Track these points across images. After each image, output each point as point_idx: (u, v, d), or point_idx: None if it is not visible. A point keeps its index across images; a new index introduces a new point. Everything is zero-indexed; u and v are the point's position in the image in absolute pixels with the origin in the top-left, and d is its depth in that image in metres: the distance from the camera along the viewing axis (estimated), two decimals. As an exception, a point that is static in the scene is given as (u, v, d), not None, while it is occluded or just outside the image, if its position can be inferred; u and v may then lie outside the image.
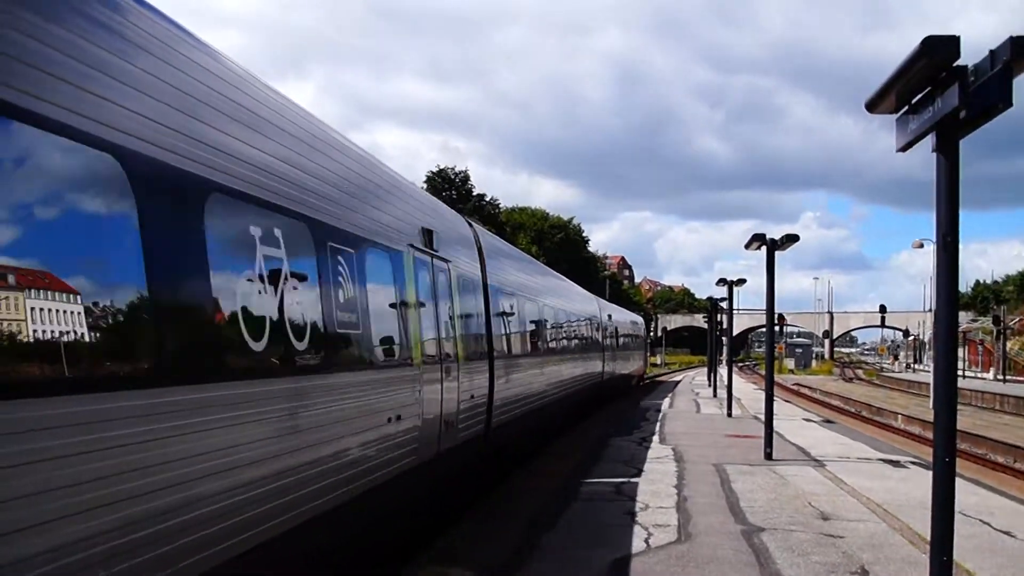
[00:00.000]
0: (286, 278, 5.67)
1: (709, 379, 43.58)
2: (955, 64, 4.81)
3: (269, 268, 5.44)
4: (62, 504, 3.46)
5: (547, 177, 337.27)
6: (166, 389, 4.22)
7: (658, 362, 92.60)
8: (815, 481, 13.35)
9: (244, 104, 5.53)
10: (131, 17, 4.38)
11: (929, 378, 43.25)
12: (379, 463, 7.28)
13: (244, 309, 5.07)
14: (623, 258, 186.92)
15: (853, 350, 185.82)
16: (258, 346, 5.22)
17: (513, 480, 13.27)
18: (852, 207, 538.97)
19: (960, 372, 39.47)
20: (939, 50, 4.78)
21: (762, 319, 21.37)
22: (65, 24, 3.76)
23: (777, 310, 18.34)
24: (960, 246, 5.18)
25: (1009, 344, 66.60)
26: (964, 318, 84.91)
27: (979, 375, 63.69)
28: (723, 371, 34.88)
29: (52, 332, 3.58)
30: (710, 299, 48.76)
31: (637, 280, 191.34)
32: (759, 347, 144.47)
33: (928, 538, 5.58)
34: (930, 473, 5.51)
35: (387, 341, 7.81)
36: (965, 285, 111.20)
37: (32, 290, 3.47)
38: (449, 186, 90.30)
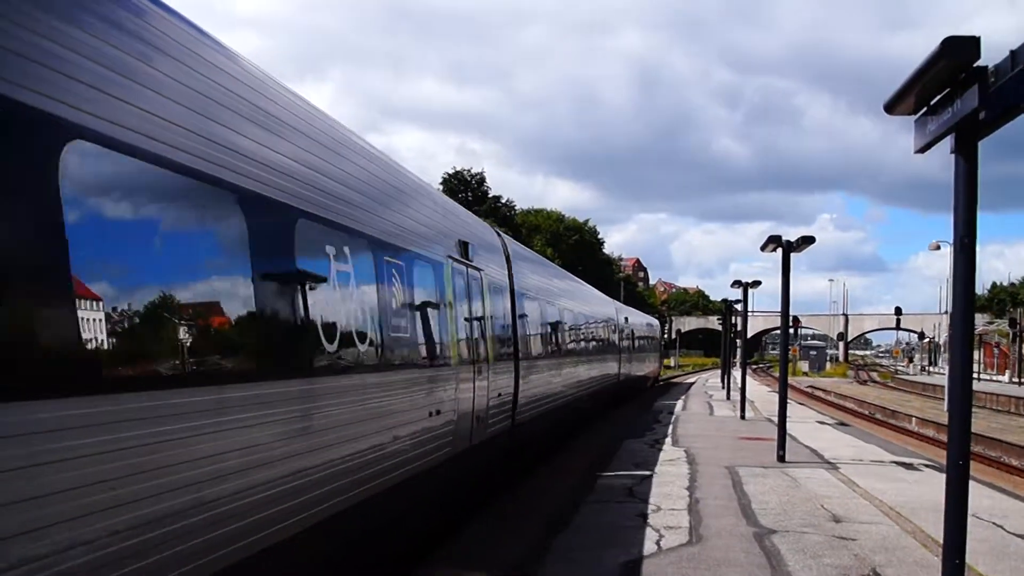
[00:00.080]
0: (353, 289, 6.45)
1: (723, 381, 43.42)
2: (975, 65, 4.77)
3: (340, 281, 6.21)
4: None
5: (563, 179, 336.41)
6: (287, 381, 5.22)
7: (672, 364, 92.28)
8: (828, 483, 13.30)
9: (324, 142, 6.34)
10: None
11: (944, 381, 42.95)
12: (421, 452, 7.97)
13: (321, 317, 5.83)
14: (638, 260, 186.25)
15: (868, 352, 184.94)
16: (331, 347, 5.94)
17: (529, 479, 13.32)
18: (869, 209, 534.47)
19: (975, 375, 39.35)
20: (959, 51, 4.75)
21: (777, 321, 21.30)
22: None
23: (792, 312, 18.24)
24: (977, 248, 5.15)
25: (1025, 347, 66.09)
26: (980, 320, 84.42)
27: (995, 378, 63.26)
28: (737, 373, 34.79)
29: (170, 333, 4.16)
30: (725, 301, 48.40)
31: (652, 282, 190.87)
32: (773, 349, 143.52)
33: (941, 541, 5.55)
34: (943, 476, 5.49)
35: (431, 343, 8.60)
36: (982, 287, 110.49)
37: (79, 298, 3.46)
38: (465, 188, 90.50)
